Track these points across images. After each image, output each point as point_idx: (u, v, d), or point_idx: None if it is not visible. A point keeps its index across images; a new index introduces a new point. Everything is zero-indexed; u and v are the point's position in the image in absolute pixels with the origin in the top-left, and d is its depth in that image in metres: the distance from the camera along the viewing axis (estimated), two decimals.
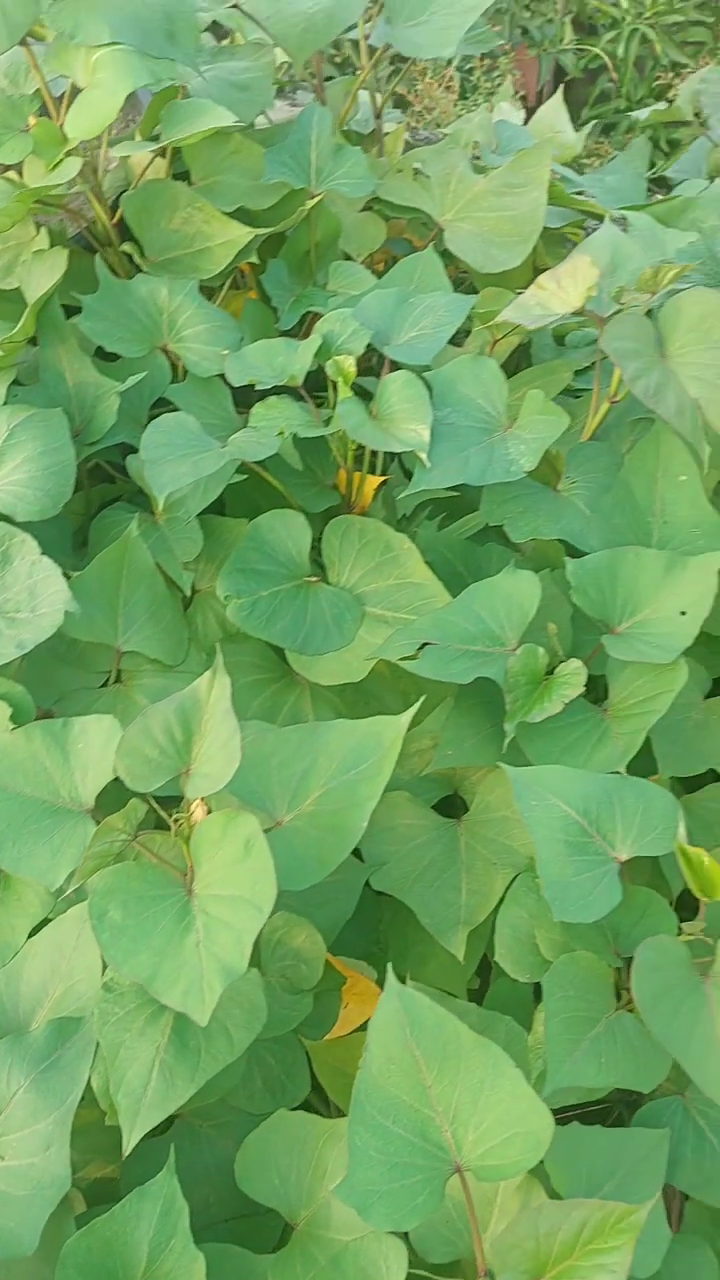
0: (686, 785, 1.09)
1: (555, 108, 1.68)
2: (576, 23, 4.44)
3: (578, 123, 1.83)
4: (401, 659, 1.00)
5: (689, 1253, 0.85)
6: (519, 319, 1.09)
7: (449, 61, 2.90)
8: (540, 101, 2.25)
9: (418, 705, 0.91)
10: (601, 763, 0.95)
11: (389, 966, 0.77)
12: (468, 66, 3.83)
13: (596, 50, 3.57)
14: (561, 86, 1.81)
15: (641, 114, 1.66)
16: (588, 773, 0.89)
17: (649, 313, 1.06)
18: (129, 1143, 0.78)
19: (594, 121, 2.17)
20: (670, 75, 3.47)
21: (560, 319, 1.07)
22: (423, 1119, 0.73)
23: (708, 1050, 0.77)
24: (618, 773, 0.93)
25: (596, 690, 1.02)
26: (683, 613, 0.98)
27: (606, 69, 3.64)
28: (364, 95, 1.49)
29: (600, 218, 1.44)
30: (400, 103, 3.48)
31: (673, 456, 1.06)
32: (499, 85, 3.61)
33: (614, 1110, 0.98)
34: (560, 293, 1.08)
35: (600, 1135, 0.81)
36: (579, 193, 1.54)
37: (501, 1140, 0.70)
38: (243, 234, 1.25)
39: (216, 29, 1.60)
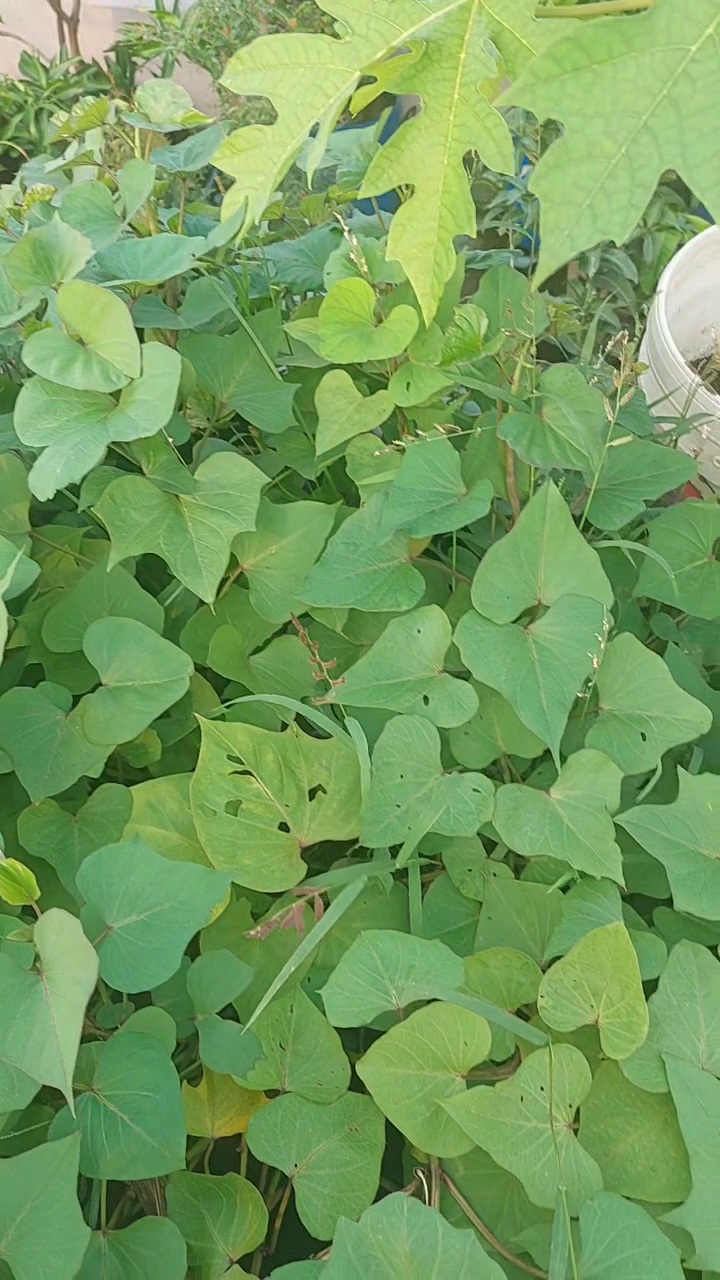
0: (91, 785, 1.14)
1: None
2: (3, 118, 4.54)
3: None
4: None
5: (155, 1231, 0.87)
6: None
7: None
8: None
9: None
10: None
11: None
12: None
13: (7, 143, 3.65)
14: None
15: None
16: None
17: None
18: None
19: None
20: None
21: None
22: None
23: (45, 1044, 0.79)
24: None
25: None
26: None
27: (25, 159, 3.73)
28: None
29: None
30: None
31: None
32: None
33: None
34: None
35: (5, 1167, 0.81)
36: None
37: None
38: None
39: None
